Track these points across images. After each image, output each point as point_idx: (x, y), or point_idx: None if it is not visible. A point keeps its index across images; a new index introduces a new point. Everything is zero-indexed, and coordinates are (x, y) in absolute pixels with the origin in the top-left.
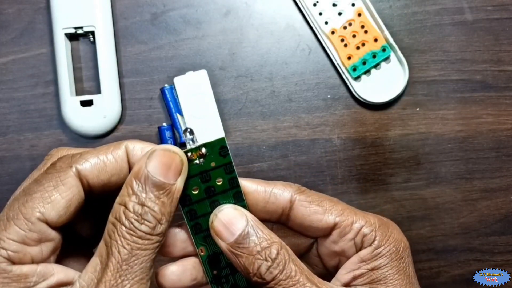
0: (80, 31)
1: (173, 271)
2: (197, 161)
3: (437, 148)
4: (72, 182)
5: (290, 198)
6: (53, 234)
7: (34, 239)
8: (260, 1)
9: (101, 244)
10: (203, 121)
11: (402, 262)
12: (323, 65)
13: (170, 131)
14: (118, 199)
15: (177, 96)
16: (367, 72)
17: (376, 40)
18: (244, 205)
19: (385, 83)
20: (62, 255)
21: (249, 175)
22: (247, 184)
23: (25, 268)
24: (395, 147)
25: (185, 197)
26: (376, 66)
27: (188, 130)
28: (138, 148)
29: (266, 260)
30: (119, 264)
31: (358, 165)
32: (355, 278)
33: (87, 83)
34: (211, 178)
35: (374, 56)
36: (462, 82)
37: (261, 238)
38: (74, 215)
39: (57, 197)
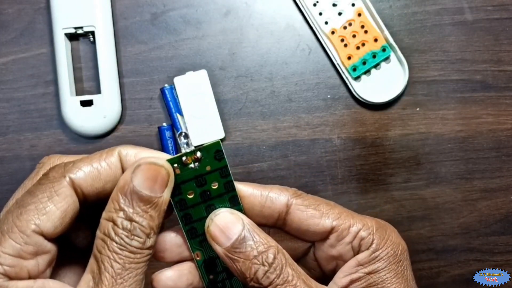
0: (80, 31)
1: (168, 276)
2: (192, 165)
3: (437, 148)
4: (66, 192)
5: (287, 202)
6: (49, 246)
7: (30, 252)
8: (260, 1)
9: (92, 260)
10: (203, 121)
11: (400, 265)
12: (323, 65)
13: (170, 131)
14: (104, 214)
15: (177, 96)
16: (367, 72)
17: (376, 40)
18: (240, 209)
19: (385, 83)
20: (57, 266)
21: (249, 175)
22: (243, 188)
23: (21, 284)
24: (395, 147)
25: (180, 202)
26: (376, 66)
27: (183, 134)
28: (131, 153)
29: (263, 265)
30: (113, 279)
31: (358, 165)
32: (352, 282)
33: (87, 83)
34: (207, 182)
35: (374, 56)
36: (462, 82)
37: (258, 242)
38: (69, 225)
39: (52, 208)
